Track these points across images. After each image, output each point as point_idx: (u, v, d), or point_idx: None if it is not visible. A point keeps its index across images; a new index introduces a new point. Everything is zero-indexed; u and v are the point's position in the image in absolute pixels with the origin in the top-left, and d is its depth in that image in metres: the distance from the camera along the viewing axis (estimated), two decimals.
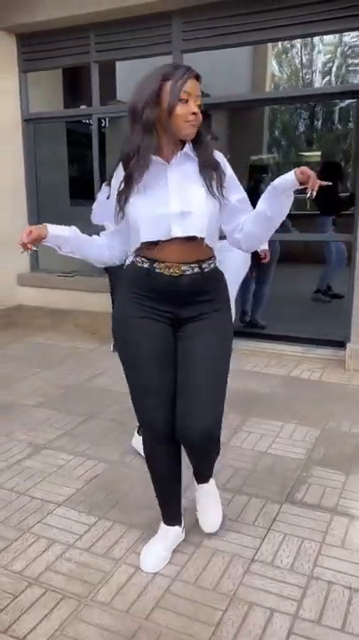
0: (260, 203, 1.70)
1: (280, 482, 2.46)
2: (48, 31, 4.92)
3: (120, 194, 1.71)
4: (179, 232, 1.68)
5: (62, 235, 1.79)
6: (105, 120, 5.62)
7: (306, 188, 1.58)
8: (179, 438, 1.79)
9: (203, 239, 1.71)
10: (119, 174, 1.72)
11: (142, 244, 1.70)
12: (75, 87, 5.77)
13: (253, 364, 4.08)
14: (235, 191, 1.77)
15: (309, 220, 5.82)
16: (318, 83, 8.07)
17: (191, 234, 1.68)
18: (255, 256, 4.15)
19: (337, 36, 6.10)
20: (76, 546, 2.02)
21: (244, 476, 2.50)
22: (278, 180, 1.64)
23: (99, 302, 4.81)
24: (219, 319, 1.80)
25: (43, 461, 2.67)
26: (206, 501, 2.08)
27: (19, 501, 2.32)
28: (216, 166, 1.70)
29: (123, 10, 4.46)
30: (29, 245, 1.72)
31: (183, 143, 1.70)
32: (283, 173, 1.66)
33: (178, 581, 1.84)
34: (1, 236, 5.10)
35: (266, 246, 4.08)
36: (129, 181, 1.68)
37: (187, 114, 1.62)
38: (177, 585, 1.82)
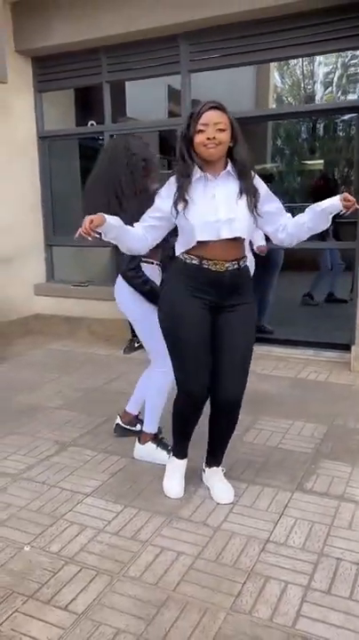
0: (304, 216, 2.21)
1: (290, 473, 2.64)
2: (62, 54, 5.18)
3: (175, 203, 2.14)
4: (227, 234, 2.13)
5: (112, 223, 2.10)
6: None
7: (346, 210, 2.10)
8: (216, 404, 2.31)
9: (243, 240, 2.20)
10: (171, 187, 2.18)
11: (198, 242, 2.13)
12: (86, 105, 6.02)
13: (262, 367, 4.27)
14: (271, 201, 2.24)
15: None
16: (319, 96, 8.31)
17: (237, 235, 2.14)
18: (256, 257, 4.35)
19: (337, 55, 6.33)
20: (106, 530, 2.22)
21: (257, 469, 2.69)
22: (326, 204, 2.13)
23: (112, 310, 4.98)
24: (248, 310, 2.28)
25: (70, 457, 2.86)
26: (219, 478, 2.48)
27: (51, 493, 2.51)
28: (254, 192, 2.16)
29: (133, 33, 4.71)
30: (92, 232, 2.02)
31: (226, 163, 2.16)
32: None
33: (200, 559, 2.03)
34: (18, 249, 5.35)
35: (263, 242, 4.31)
36: (181, 193, 2.13)
37: (203, 140, 2.08)
38: (199, 562, 2.01)
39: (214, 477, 2.48)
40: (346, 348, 4.48)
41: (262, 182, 2.23)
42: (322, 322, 5.47)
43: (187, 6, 4.38)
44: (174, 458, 2.52)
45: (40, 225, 5.63)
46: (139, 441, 2.80)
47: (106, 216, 2.07)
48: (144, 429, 2.79)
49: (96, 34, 4.81)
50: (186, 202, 2.12)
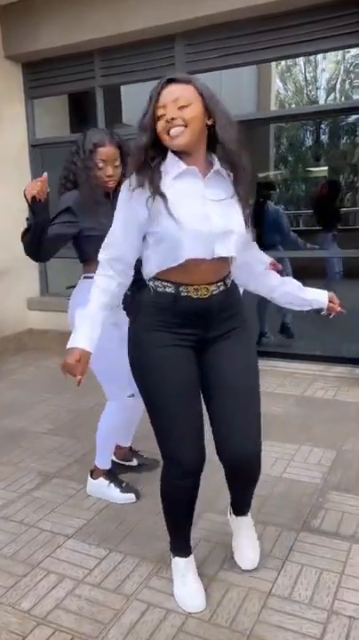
0: (281, 284, 1.92)
1: (296, 508, 2.38)
2: (53, 58, 4.99)
3: (147, 200, 1.57)
4: (223, 252, 1.61)
5: (94, 338, 1.69)
6: None
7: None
8: (226, 464, 1.75)
9: (234, 258, 1.69)
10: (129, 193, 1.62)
11: (186, 261, 1.58)
12: (81, 112, 5.82)
13: (266, 384, 4.00)
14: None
15: (310, 236, 5.82)
16: (322, 99, 8.10)
17: (232, 254, 1.64)
18: None
19: (340, 52, 6.12)
20: (86, 581, 1.96)
21: (259, 503, 2.42)
22: (312, 297, 1.92)
23: None
24: (244, 332, 1.77)
25: (53, 491, 2.61)
26: (248, 535, 2.01)
27: (29, 534, 2.26)
28: (247, 197, 1.67)
29: (126, 34, 4.51)
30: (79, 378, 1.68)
31: (210, 158, 1.65)
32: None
33: (192, 618, 1.76)
34: (11, 261, 5.12)
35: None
36: (153, 183, 1.56)
37: (163, 127, 1.55)
38: (190, 623, 1.74)
39: (241, 530, 2.00)
40: (355, 362, 4.21)
41: None
42: (329, 334, 5.19)
43: (183, 4, 4.17)
44: (177, 559, 1.89)
45: None
46: (92, 475, 2.55)
47: (87, 347, 1.67)
48: (95, 463, 2.54)
49: (87, 36, 4.61)
50: (163, 196, 1.54)
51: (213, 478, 2.60)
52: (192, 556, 1.91)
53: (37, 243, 2.12)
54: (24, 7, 4.75)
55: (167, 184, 1.57)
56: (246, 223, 1.66)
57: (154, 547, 2.14)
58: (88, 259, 2.33)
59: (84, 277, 2.35)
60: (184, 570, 1.87)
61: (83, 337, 1.66)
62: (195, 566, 1.90)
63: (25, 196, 1.99)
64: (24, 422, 3.52)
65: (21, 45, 4.92)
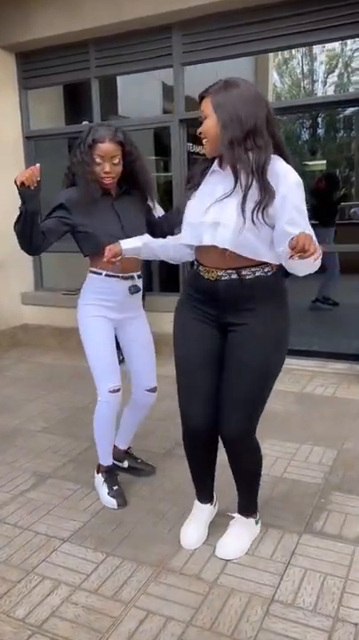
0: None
1: (297, 510, 2.32)
2: (47, 48, 4.88)
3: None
4: (208, 240, 1.78)
5: (135, 246, 2.05)
6: None
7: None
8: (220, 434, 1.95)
9: (226, 250, 1.74)
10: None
11: (186, 246, 1.93)
12: (76, 103, 5.72)
13: None
14: (284, 216, 1.68)
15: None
16: (320, 91, 8.02)
17: (215, 243, 1.75)
18: None
19: (337, 44, 6.04)
20: (83, 587, 1.89)
21: (260, 505, 2.33)
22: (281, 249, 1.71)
23: None
24: (259, 329, 1.81)
25: (48, 492, 2.54)
26: (234, 530, 2.09)
27: (23, 537, 2.19)
28: (266, 192, 1.67)
29: (121, 24, 4.41)
30: (112, 260, 2.02)
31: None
32: None
33: (192, 626, 1.70)
34: (4, 255, 5.03)
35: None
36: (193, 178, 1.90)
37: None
38: (191, 631, 1.68)
39: (234, 529, 2.11)
40: (355, 358, 4.16)
41: (289, 182, 1.69)
42: (329, 330, 5.14)
43: None
44: (196, 501, 2.17)
45: None
46: (98, 469, 2.52)
47: (123, 243, 2.03)
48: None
49: (83, 25, 4.51)
50: (195, 187, 1.86)
51: (219, 479, 2.55)
52: (206, 505, 2.15)
53: (28, 232, 2.10)
54: None
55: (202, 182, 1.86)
56: (252, 217, 1.68)
57: (152, 550, 2.07)
58: (87, 254, 2.35)
59: (90, 272, 2.36)
60: (195, 511, 2.16)
61: (126, 240, 2.07)
62: (205, 514, 2.15)
63: (15, 183, 1.99)
64: (18, 420, 3.45)
65: (15, 35, 4.80)
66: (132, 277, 2.35)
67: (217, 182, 1.79)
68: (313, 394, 3.77)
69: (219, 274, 1.79)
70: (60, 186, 2.33)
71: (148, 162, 6.27)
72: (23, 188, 1.98)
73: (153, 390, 2.53)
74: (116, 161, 2.21)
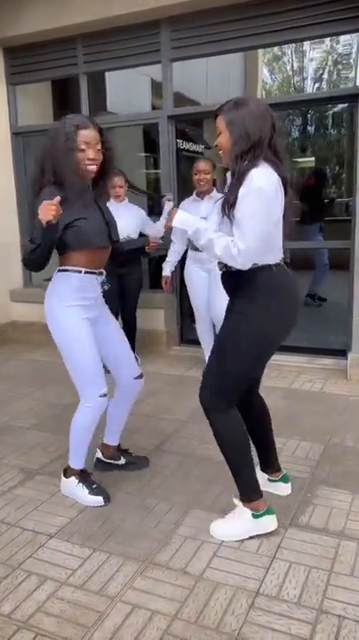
0: None
1: (284, 504, 2.33)
2: (35, 43, 4.85)
3: None
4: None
5: (190, 220, 2.09)
6: None
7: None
8: None
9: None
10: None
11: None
12: (64, 99, 5.69)
13: None
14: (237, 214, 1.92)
15: (297, 226, 5.78)
16: (310, 88, 8.03)
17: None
18: None
19: (328, 41, 6.05)
20: (69, 582, 1.90)
21: None
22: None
23: None
24: (232, 316, 2.06)
25: (36, 488, 2.54)
26: (228, 514, 2.18)
27: (10, 534, 2.19)
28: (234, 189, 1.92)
29: (110, 19, 4.39)
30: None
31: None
32: None
33: (178, 620, 1.71)
34: None
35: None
36: None
37: None
38: (177, 625, 1.69)
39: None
40: (342, 354, 4.19)
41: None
42: (316, 326, 5.16)
43: None
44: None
45: (16, 227, 5.30)
46: (64, 474, 2.47)
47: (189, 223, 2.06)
48: (68, 462, 2.45)
49: (71, 20, 4.49)
50: None
51: (204, 473, 2.57)
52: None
53: (44, 259, 2.10)
54: None
55: None
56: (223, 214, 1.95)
57: (139, 545, 2.08)
58: (65, 251, 2.24)
59: (59, 270, 2.28)
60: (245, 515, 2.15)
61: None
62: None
63: (39, 221, 1.95)
64: (6, 417, 3.44)
65: (3, 29, 4.77)
66: (102, 272, 2.34)
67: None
68: (300, 389, 3.79)
69: (222, 266, 2.07)
70: (32, 194, 2.23)
71: (138, 158, 6.28)
72: (50, 226, 1.96)
73: (140, 377, 2.52)
74: (99, 147, 2.18)
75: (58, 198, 1.95)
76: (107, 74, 5.51)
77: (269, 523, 2.11)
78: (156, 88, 5.16)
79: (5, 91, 5.14)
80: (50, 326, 2.31)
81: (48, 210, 1.92)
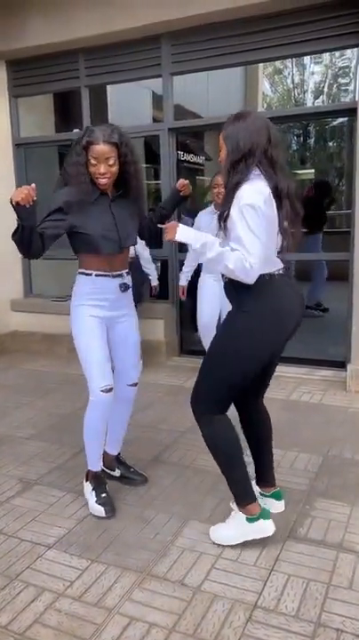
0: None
1: (282, 516, 2.33)
2: (38, 56, 4.91)
3: None
4: None
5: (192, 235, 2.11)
6: None
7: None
8: None
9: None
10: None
11: None
12: (66, 111, 5.76)
13: None
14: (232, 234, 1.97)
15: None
16: (310, 102, 8.10)
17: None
18: None
19: (327, 55, 6.12)
20: (67, 594, 1.90)
21: None
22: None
23: None
24: (224, 326, 2.14)
25: (34, 499, 2.54)
26: (227, 519, 2.19)
27: (8, 544, 2.19)
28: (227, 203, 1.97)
29: (111, 34, 4.45)
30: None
31: None
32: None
33: (175, 632, 1.71)
34: None
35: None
36: None
37: None
38: (174, 638, 1.69)
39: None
40: (341, 365, 4.19)
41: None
42: (315, 337, 5.17)
43: (170, 5, 4.13)
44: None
45: None
46: (86, 477, 2.50)
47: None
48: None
49: (73, 35, 4.55)
50: None
51: (203, 484, 2.57)
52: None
53: (27, 242, 2.13)
54: (9, 4, 4.67)
55: None
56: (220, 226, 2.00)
57: (137, 557, 2.08)
58: (78, 255, 2.37)
59: (79, 273, 2.38)
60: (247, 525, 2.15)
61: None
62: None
63: (10, 201, 2.00)
64: (5, 427, 3.44)
65: (7, 42, 4.83)
66: (121, 275, 2.38)
67: None
68: (299, 401, 3.80)
69: (226, 277, 2.05)
70: (55, 187, 2.34)
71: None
72: (19, 207, 2.00)
73: (134, 385, 2.54)
74: (111, 162, 2.22)
75: (33, 185, 2.01)
76: (108, 86, 5.58)
77: (264, 527, 2.10)
78: (157, 100, 5.22)
79: (8, 102, 5.19)
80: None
81: (20, 192, 1.98)
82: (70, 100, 5.50)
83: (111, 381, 2.34)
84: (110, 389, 2.33)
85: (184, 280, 4.16)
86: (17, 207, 2.00)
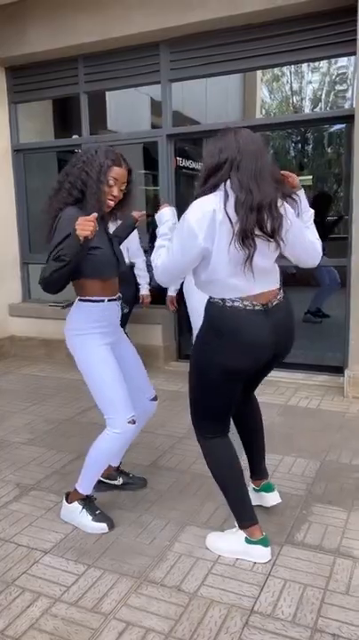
0: None
1: (279, 521, 2.33)
2: (37, 63, 4.94)
3: None
4: None
5: None
6: None
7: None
8: None
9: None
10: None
11: None
12: (65, 117, 5.78)
13: None
14: None
15: None
16: (308, 108, 8.16)
17: None
18: None
19: (325, 63, 6.16)
20: (63, 599, 1.89)
21: None
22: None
23: None
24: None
25: (31, 504, 2.54)
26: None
27: (4, 549, 2.18)
28: None
29: (110, 41, 4.48)
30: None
31: None
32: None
33: (172, 638, 1.71)
34: None
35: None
36: None
37: None
38: None
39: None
40: (338, 370, 4.20)
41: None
42: (313, 343, 5.18)
43: (168, 12, 4.16)
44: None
45: (15, 242, 5.34)
46: (67, 498, 2.39)
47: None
48: (76, 486, 2.36)
49: (73, 41, 4.58)
50: None
51: (200, 489, 2.57)
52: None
53: (66, 279, 2.08)
54: (9, 11, 4.70)
55: None
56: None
57: (134, 562, 2.08)
58: (78, 278, 2.20)
59: (83, 300, 2.24)
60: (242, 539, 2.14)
61: None
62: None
63: (77, 236, 1.94)
64: (3, 432, 3.44)
65: (7, 49, 4.86)
66: (120, 297, 2.34)
67: None
68: (297, 406, 3.80)
69: None
70: (53, 199, 2.20)
71: (138, 176, 6.34)
72: (86, 242, 1.96)
73: (155, 399, 2.50)
74: (124, 187, 2.21)
75: (95, 215, 1.96)
76: (107, 93, 5.61)
77: (261, 553, 2.06)
78: (156, 107, 5.24)
79: (7, 108, 5.21)
80: (73, 356, 2.27)
81: (86, 225, 1.92)
82: (69, 105, 5.52)
83: (133, 410, 2.25)
84: (135, 419, 2.24)
85: (172, 290, 4.18)
86: (84, 242, 1.95)
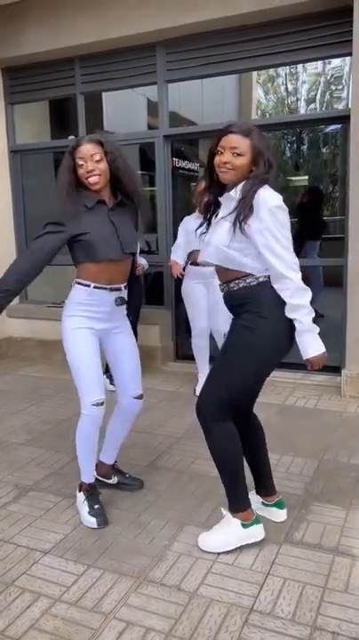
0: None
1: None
2: (34, 64, 4.95)
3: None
4: (201, 257, 2.14)
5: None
6: None
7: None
8: None
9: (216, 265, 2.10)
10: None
11: None
12: (62, 118, 5.78)
13: None
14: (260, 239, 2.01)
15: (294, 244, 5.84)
16: (303, 109, 8.18)
17: (205, 259, 2.11)
18: None
19: (320, 63, 6.18)
20: (63, 599, 1.90)
21: None
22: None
23: None
24: (239, 330, 2.07)
25: (30, 504, 2.54)
26: (216, 525, 2.20)
27: (4, 550, 2.19)
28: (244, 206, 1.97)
29: (107, 42, 4.49)
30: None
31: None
32: None
33: (172, 637, 1.71)
34: None
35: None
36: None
37: (217, 163, 2.01)
38: None
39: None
40: (336, 370, 4.21)
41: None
42: None
43: (165, 13, 4.17)
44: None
45: (12, 243, 5.34)
46: (79, 488, 2.45)
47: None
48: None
49: (69, 42, 4.59)
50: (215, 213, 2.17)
51: (199, 489, 2.57)
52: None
53: (28, 281, 2.39)
54: (6, 12, 4.70)
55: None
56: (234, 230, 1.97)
57: (133, 562, 2.08)
58: (77, 263, 2.32)
59: (76, 282, 2.33)
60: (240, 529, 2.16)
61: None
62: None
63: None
64: (0, 433, 3.44)
65: (3, 50, 4.86)
66: (119, 289, 2.35)
67: (223, 207, 2.07)
68: (295, 405, 3.81)
69: (221, 287, 2.12)
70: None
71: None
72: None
73: (139, 397, 2.50)
74: (98, 157, 2.20)
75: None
76: (104, 93, 5.61)
77: (257, 531, 2.15)
78: (152, 108, 5.25)
79: (4, 109, 5.21)
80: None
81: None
82: (66, 106, 5.52)
83: (103, 395, 2.30)
84: (102, 403, 2.29)
85: (181, 259, 4.01)
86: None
